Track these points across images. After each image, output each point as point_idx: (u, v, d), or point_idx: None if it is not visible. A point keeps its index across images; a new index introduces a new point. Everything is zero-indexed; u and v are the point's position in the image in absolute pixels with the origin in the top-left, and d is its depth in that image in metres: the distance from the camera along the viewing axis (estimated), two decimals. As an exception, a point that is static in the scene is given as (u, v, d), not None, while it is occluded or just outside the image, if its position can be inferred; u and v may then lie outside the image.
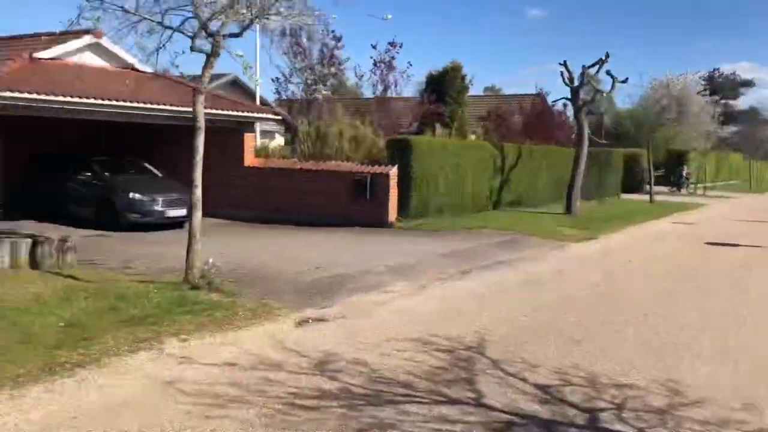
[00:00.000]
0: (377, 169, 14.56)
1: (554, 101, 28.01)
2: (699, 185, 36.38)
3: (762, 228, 18.21)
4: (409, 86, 25.57)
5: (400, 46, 21.13)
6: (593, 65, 18.81)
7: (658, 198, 27.93)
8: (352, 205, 14.42)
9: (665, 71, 30.34)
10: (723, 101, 76.65)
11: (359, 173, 14.56)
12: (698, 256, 12.29)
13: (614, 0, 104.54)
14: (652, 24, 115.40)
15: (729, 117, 75.05)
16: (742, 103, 77.30)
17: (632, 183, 33.79)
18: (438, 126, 22.71)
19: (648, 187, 35.36)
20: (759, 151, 58.85)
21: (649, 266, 11.19)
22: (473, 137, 27.52)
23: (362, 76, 22.27)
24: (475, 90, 36.11)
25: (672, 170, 37.56)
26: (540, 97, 32.87)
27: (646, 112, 41.33)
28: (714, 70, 76.64)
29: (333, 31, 19.40)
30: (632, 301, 8.21)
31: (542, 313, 7.50)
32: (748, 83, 76.97)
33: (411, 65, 33.66)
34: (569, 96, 19.36)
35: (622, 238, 14.98)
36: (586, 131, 19.03)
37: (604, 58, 18.61)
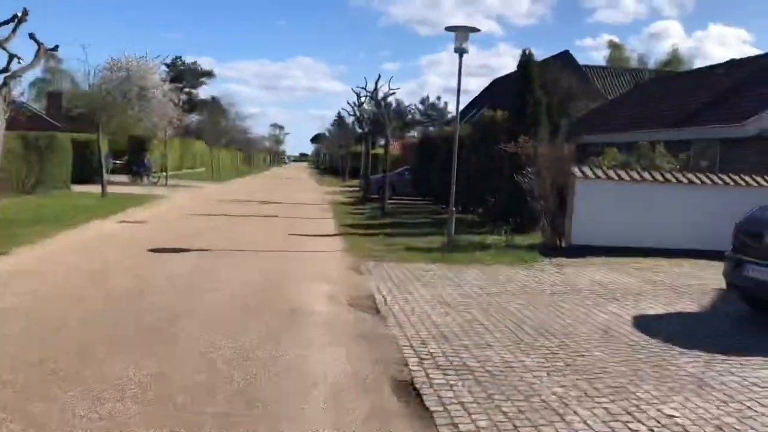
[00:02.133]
0: None
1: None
2: (162, 174, 34.60)
3: (216, 223, 16.65)
4: None
5: None
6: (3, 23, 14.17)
7: (114, 190, 24.68)
8: None
9: (123, 53, 27.08)
10: (186, 89, 79.07)
11: None
12: (132, 276, 9.38)
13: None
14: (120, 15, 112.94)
15: (193, 105, 77.67)
16: (204, 92, 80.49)
17: (87, 173, 29.79)
18: None
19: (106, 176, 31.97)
20: (221, 139, 61.47)
21: (51, 305, 7.74)
22: None
23: None
24: None
25: (134, 158, 34.95)
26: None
27: (102, 94, 37.76)
28: (176, 58, 78.29)
29: None
30: None
31: None
32: (209, 74, 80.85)
33: None
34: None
35: (49, 249, 11.18)
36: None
37: (20, 15, 14.21)
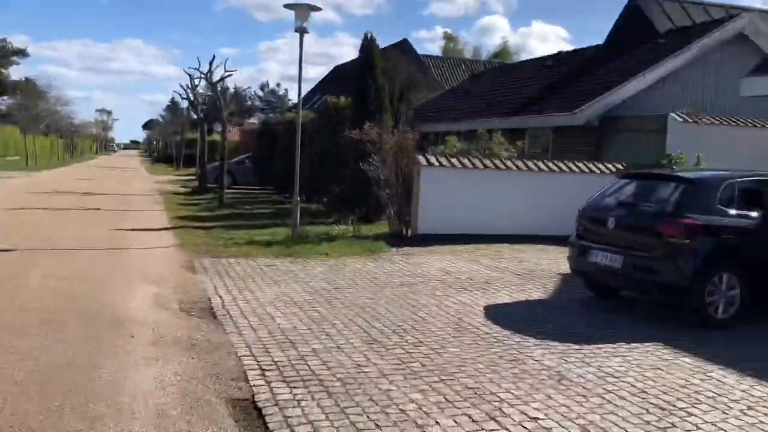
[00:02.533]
0: None
1: None
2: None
3: (27, 218, 14.68)
4: None
5: None
6: None
7: None
8: None
9: None
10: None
11: None
12: None
13: None
14: None
15: (2, 87, 69.92)
16: (15, 72, 72.70)
17: None
18: None
19: None
20: (39, 125, 55.90)
21: None
22: None
23: None
24: None
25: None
26: None
27: None
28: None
29: None
30: None
31: None
32: (22, 52, 72.92)
33: None
34: None
35: None
36: None
37: None
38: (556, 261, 10.15)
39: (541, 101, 19.62)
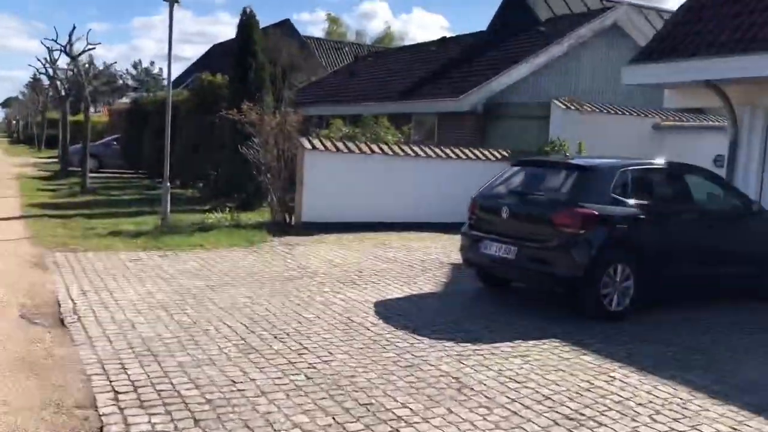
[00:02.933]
0: None
1: None
2: None
3: None
4: None
5: None
6: None
7: None
8: None
9: None
10: None
11: None
12: None
13: None
14: None
15: None
16: None
17: None
18: None
19: None
20: None
21: None
22: None
23: None
24: None
25: None
26: None
27: None
28: None
29: None
30: None
31: None
32: None
33: None
34: None
35: None
36: None
37: None
38: (447, 250, 9.80)
39: (427, 86, 19.36)
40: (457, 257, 8.19)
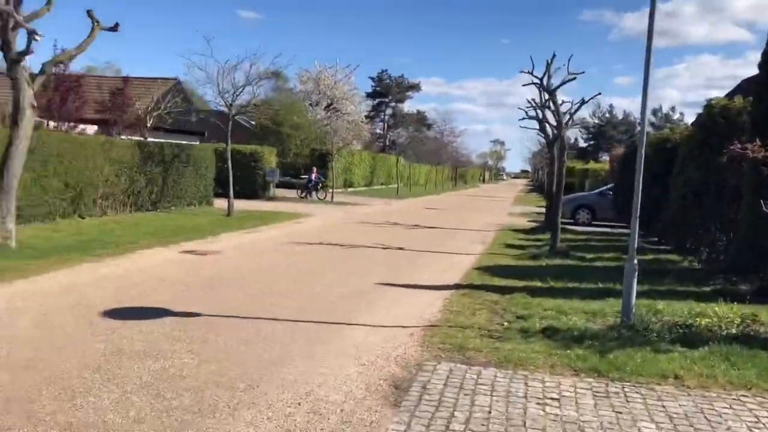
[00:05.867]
0: None
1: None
2: (330, 190, 31.77)
3: (301, 258, 12.24)
4: None
5: None
6: None
7: (267, 206, 22.52)
8: None
9: (314, 63, 24.82)
10: (392, 104, 77.13)
11: None
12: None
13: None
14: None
15: (398, 119, 75.60)
16: (409, 106, 78.43)
17: (252, 186, 27.84)
18: None
19: (273, 190, 29.70)
20: (436, 157, 58.68)
21: None
22: None
23: None
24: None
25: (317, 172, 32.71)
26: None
27: (285, 105, 36.00)
28: (382, 71, 75.57)
29: None
30: None
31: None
32: (415, 87, 78.18)
33: None
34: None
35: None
36: (26, 102, 11.23)
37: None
38: None
39: None
40: None
